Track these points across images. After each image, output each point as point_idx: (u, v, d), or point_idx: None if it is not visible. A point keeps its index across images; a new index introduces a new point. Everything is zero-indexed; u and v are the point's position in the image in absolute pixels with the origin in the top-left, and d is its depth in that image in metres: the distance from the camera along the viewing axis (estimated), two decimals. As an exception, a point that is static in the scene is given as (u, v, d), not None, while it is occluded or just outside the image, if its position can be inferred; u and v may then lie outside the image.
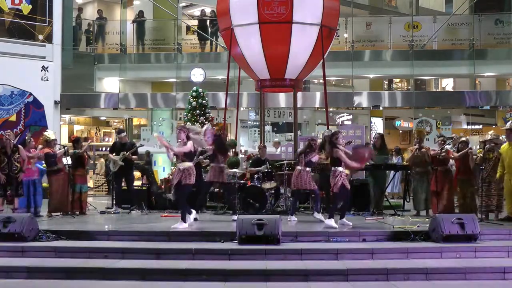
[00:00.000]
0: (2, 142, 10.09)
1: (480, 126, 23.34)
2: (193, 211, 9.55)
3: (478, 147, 13.28)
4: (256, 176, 11.36)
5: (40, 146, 10.93)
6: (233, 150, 12.49)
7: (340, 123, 21.07)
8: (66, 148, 11.04)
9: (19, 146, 10.25)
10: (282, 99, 17.88)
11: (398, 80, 26.62)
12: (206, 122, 13.58)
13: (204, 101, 14.24)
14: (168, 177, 13.94)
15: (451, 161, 10.50)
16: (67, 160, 10.72)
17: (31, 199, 10.36)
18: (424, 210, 10.65)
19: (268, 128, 18.35)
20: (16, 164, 10.02)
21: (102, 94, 19.01)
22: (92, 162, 11.78)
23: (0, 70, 16.38)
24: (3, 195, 9.98)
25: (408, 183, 12.65)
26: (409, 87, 24.13)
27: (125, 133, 12.34)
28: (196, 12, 21.28)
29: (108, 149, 13.19)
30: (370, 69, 20.25)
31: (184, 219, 8.74)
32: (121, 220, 10.18)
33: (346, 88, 22.67)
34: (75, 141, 11.49)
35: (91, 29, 19.90)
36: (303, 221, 9.72)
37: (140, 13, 19.67)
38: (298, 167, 9.56)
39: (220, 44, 18.54)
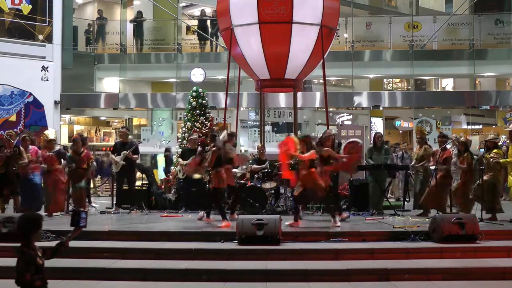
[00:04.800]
0: (2, 142, 10.08)
1: (480, 126, 23.31)
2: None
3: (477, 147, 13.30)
4: (256, 176, 11.36)
5: (40, 152, 10.84)
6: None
7: (340, 123, 21.04)
8: (62, 148, 11.05)
9: (20, 147, 10.21)
10: (282, 99, 17.86)
11: (398, 80, 26.64)
12: (206, 122, 13.59)
13: (204, 101, 14.23)
14: (168, 177, 13.92)
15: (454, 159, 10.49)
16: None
17: (26, 196, 10.27)
18: (424, 209, 10.63)
19: (268, 128, 18.32)
20: (21, 162, 10.01)
21: (102, 94, 19.01)
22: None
23: (0, 70, 16.39)
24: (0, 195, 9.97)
25: (408, 183, 12.66)
26: (409, 87, 24.12)
27: (129, 130, 12.39)
28: (196, 12, 21.27)
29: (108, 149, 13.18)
30: (370, 69, 20.26)
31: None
32: (121, 220, 10.16)
33: (346, 88, 22.66)
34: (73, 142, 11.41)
35: (91, 29, 19.91)
36: (303, 221, 9.71)
37: (139, 14, 19.66)
38: None
39: (220, 44, 18.53)
